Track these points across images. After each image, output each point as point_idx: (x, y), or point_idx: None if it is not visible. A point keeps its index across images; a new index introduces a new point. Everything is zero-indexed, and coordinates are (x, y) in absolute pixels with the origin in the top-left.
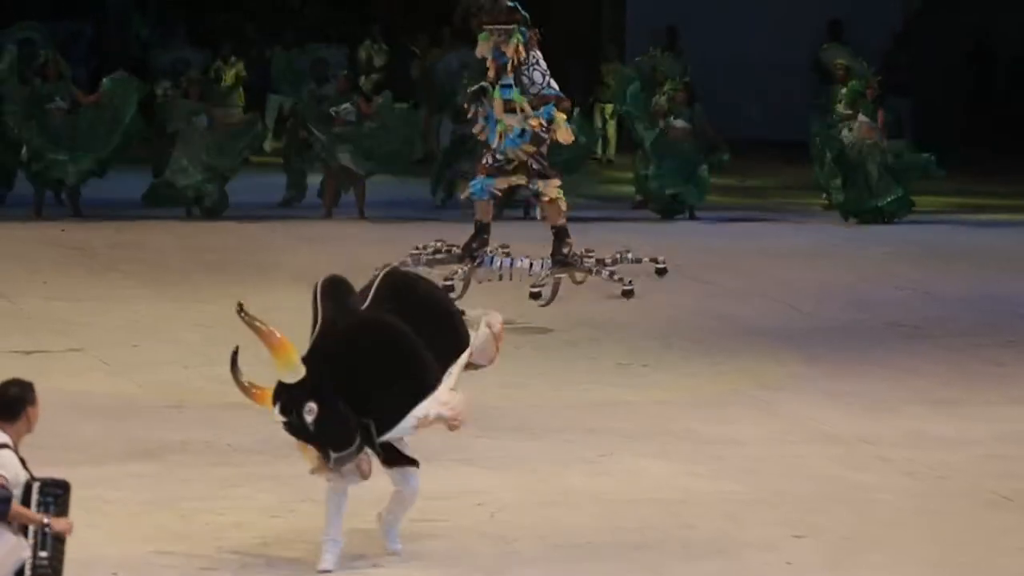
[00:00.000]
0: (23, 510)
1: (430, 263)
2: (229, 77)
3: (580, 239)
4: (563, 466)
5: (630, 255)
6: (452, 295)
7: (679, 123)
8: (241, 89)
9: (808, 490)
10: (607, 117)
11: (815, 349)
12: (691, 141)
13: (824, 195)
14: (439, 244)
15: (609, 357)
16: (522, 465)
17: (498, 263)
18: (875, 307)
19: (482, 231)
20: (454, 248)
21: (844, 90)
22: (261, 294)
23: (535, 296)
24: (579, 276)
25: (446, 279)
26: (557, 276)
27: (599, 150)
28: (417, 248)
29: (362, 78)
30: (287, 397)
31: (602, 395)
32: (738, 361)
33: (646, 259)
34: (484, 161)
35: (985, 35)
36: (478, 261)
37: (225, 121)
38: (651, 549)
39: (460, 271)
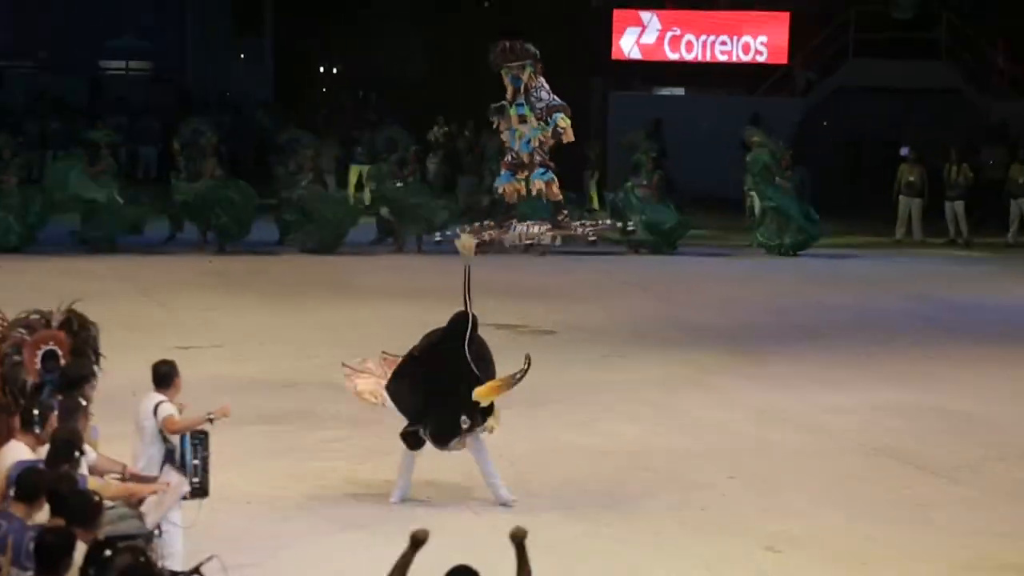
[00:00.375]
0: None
1: (479, 232)
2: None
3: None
4: (562, 428)
5: (608, 222)
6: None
7: (644, 183)
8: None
9: (736, 444)
10: (592, 182)
11: (741, 344)
12: (657, 195)
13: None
14: (488, 223)
15: (595, 351)
16: (531, 427)
17: (516, 228)
18: (785, 314)
19: (510, 208)
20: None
21: (749, 157)
22: (351, 305)
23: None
24: (564, 236)
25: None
26: (552, 234)
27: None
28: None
29: (430, 154)
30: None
31: (590, 377)
32: (686, 353)
33: (619, 223)
34: (506, 159)
35: (859, 126)
36: (506, 228)
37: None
38: (625, 486)
39: (493, 234)
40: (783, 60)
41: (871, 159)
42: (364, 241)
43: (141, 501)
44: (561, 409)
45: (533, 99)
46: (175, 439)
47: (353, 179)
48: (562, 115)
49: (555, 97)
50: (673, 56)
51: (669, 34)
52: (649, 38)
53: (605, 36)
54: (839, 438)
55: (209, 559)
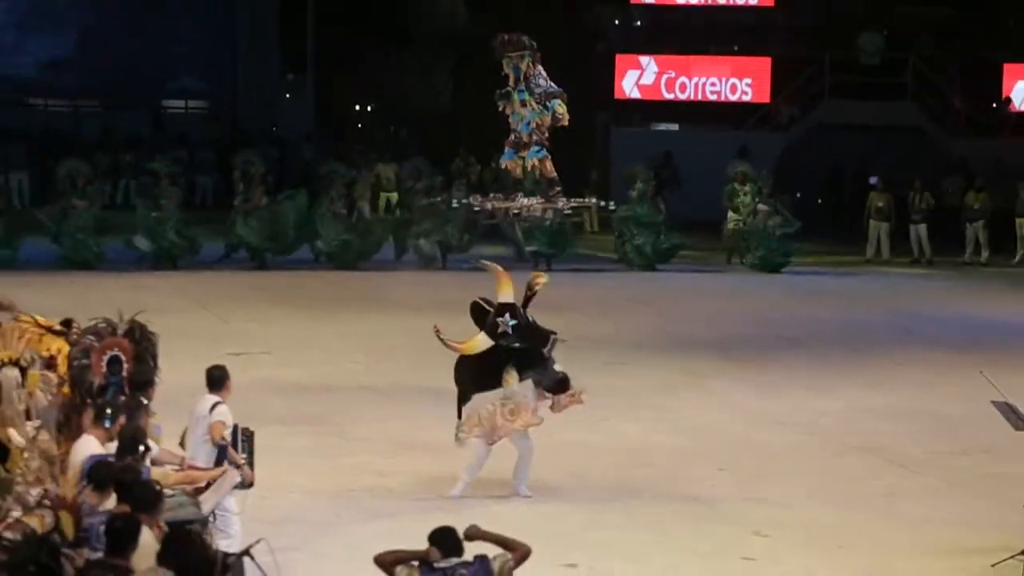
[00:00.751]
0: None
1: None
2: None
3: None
4: (568, 427)
5: (586, 200)
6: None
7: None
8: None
9: (727, 441)
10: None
11: (731, 352)
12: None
13: (736, 256)
14: (495, 195)
15: (599, 358)
16: (540, 426)
17: (519, 201)
18: (770, 325)
19: (516, 183)
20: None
21: (728, 187)
22: (380, 316)
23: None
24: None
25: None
26: (544, 208)
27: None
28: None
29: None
30: (503, 310)
31: (595, 382)
32: (683, 360)
33: (593, 201)
34: (510, 139)
35: (834, 158)
36: (511, 200)
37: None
38: (627, 478)
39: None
40: (766, 99)
41: (845, 188)
42: (389, 258)
43: (199, 490)
44: (569, 411)
45: (532, 85)
46: (217, 432)
47: (382, 205)
48: (559, 101)
49: (552, 84)
50: (669, 96)
51: (665, 76)
52: (647, 79)
53: (608, 77)
54: (820, 436)
55: (258, 542)
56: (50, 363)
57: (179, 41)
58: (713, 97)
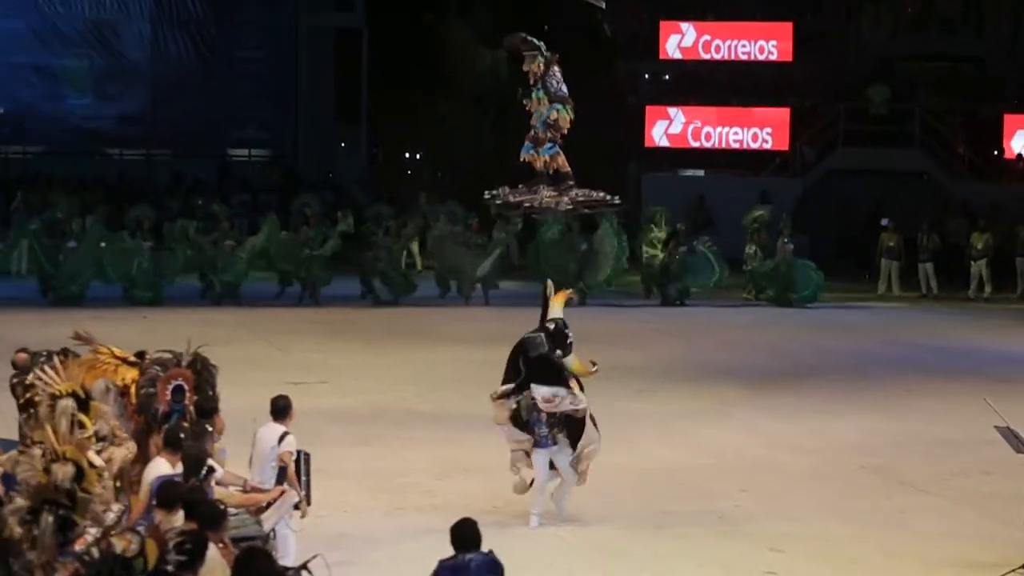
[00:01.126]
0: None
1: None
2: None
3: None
4: (606, 449)
5: (600, 195)
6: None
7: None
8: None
9: (748, 462)
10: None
11: (752, 380)
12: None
13: (752, 291)
14: (521, 187)
15: (633, 386)
16: None
17: (541, 192)
18: (788, 356)
19: (536, 176)
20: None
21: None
22: (427, 348)
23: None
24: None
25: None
26: (556, 200)
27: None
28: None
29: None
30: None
31: (629, 408)
32: (708, 387)
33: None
34: (530, 134)
35: (848, 201)
36: (534, 191)
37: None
38: (658, 496)
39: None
40: (785, 147)
41: (858, 228)
42: (434, 295)
43: (260, 509)
44: (604, 434)
45: (548, 85)
46: (286, 459)
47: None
48: (561, 107)
49: (563, 88)
50: (695, 144)
51: (691, 126)
52: (675, 129)
53: (639, 128)
54: (834, 457)
55: (314, 557)
56: (124, 391)
57: (243, 95)
58: (736, 145)
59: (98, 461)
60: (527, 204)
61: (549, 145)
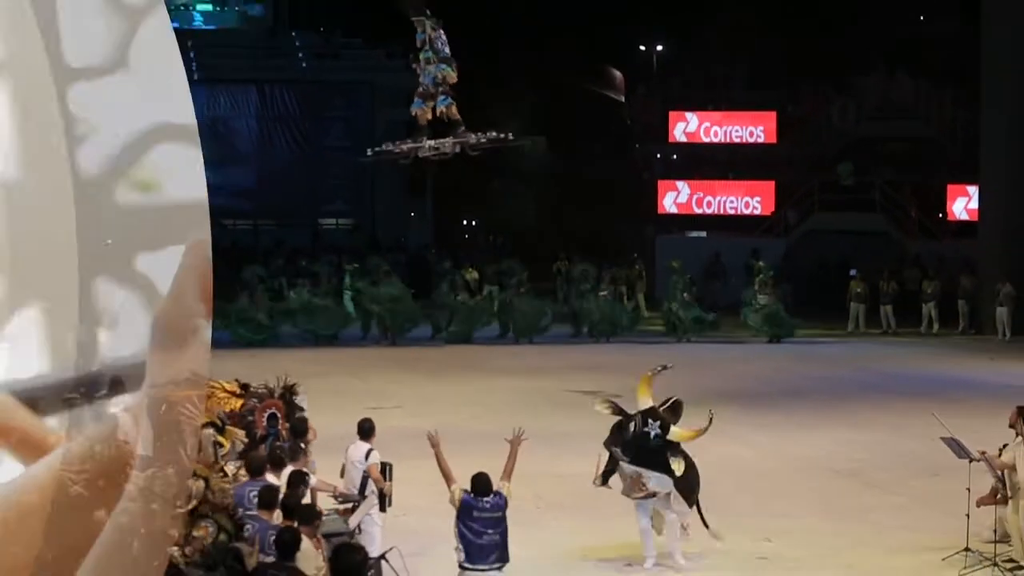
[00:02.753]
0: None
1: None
2: (470, 275)
3: (635, 350)
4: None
5: (502, 135)
6: None
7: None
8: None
9: (742, 468)
10: (641, 294)
11: (746, 402)
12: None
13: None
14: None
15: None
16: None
17: (426, 143)
18: (778, 382)
19: (423, 129)
20: None
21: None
22: (484, 379)
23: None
24: (462, 144)
25: None
26: (453, 143)
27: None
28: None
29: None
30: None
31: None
32: (718, 411)
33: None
34: (419, 90)
35: (823, 255)
36: (418, 143)
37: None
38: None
39: (406, 147)
40: (771, 212)
41: (831, 278)
42: (492, 336)
43: (348, 510)
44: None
45: (435, 47)
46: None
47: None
48: (446, 67)
49: (446, 49)
50: (699, 211)
51: (695, 196)
52: (682, 199)
53: (653, 198)
54: (814, 464)
55: (391, 549)
56: (230, 418)
57: (331, 175)
58: (732, 211)
59: (230, 471)
60: (433, 152)
61: (443, 97)
